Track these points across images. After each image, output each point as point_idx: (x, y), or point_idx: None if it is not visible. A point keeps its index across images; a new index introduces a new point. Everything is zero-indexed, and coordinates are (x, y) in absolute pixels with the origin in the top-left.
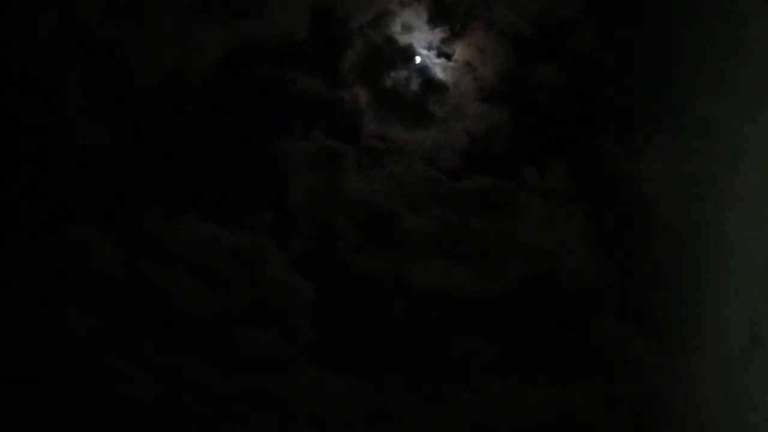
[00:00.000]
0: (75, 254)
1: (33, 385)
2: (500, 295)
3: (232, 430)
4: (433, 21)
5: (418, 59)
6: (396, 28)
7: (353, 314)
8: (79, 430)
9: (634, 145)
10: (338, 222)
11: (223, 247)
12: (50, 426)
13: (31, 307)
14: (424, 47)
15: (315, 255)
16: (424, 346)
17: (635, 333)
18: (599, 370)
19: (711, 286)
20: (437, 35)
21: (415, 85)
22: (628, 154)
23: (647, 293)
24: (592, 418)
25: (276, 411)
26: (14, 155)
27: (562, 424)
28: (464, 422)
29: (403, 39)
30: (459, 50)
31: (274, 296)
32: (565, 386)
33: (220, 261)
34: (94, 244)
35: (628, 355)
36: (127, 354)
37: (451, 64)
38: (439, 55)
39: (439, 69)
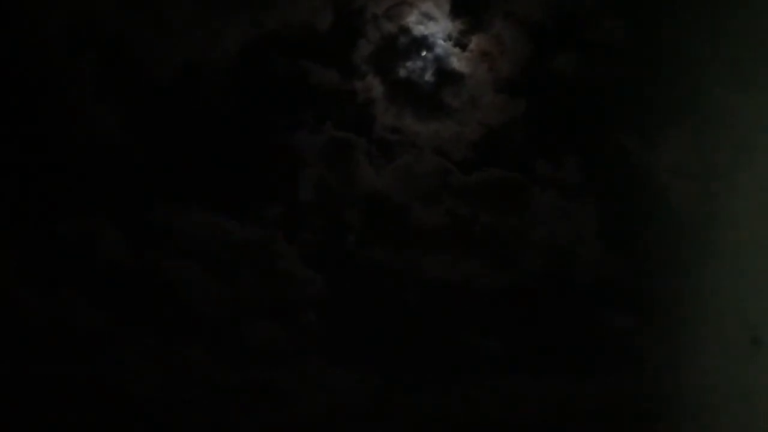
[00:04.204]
0: (84, 246)
1: (40, 377)
2: (511, 289)
3: (239, 423)
4: (452, 11)
5: (433, 50)
6: (412, 18)
7: (363, 307)
8: (86, 422)
9: (649, 137)
10: (349, 214)
11: (232, 239)
12: (57, 418)
13: (40, 299)
14: (440, 38)
15: (325, 248)
16: (433, 339)
17: (646, 327)
18: (609, 364)
19: (724, 279)
20: (454, 26)
21: (429, 75)
22: (643, 147)
23: (659, 287)
24: (600, 413)
25: (284, 404)
26: (25, 146)
27: (571, 418)
28: (473, 416)
29: (419, 29)
30: (476, 40)
31: (283, 289)
32: (574, 380)
33: (229, 254)
34: (103, 235)
35: (639, 349)
36: (135, 346)
37: (467, 54)
38: (456, 45)
39: (455, 59)
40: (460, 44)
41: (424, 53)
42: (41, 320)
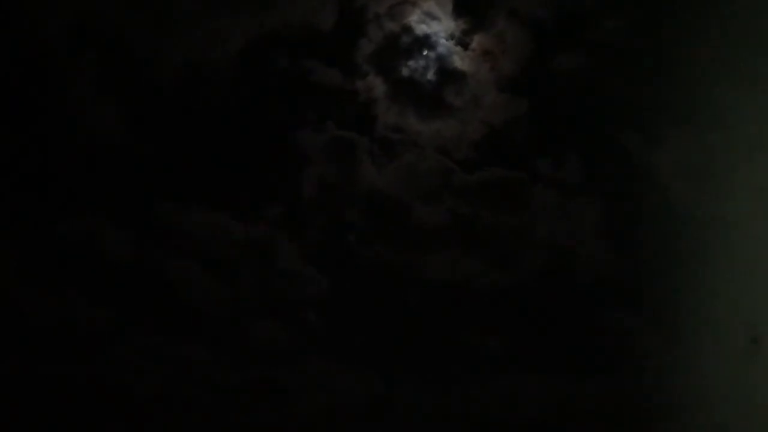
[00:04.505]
0: (84, 245)
1: (41, 376)
2: (513, 288)
3: (241, 422)
4: (454, 11)
5: (435, 49)
6: (414, 17)
7: (363, 307)
8: (87, 421)
9: (649, 137)
10: (350, 213)
11: (233, 238)
12: (57, 418)
13: (40, 299)
14: (442, 37)
15: (326, 247)
16: (435, 338)
17: (646, 327)
18: (609, 364)
19: (724, 279)
20: (456, 25)
21: (432, 75)
22: (644, 146)
23: (660, 286)
24: (600, 413)
25: (284, 404)
26: (26, 146)
27: (571, 418)
28: (473, 416)
29: (421, 28)
30: (478, 40)
31: (284, 288)
32: (574, 380)
33: (230, 253)
34: (103, 235)
35: (639, 349)
36: (137, 345)
37: (469, 53)
38: (458, 44)
39: (457, 59)
40: (462, 43)
41: (426, 52)
42: (41, 320)
